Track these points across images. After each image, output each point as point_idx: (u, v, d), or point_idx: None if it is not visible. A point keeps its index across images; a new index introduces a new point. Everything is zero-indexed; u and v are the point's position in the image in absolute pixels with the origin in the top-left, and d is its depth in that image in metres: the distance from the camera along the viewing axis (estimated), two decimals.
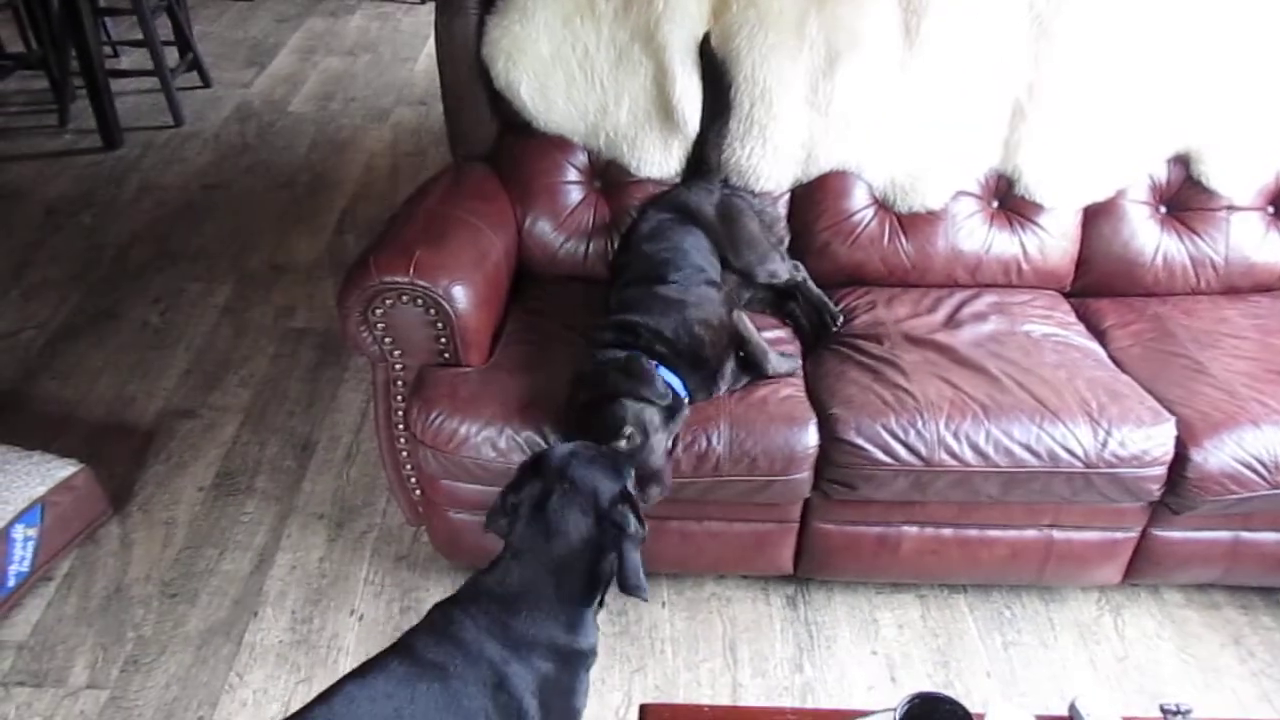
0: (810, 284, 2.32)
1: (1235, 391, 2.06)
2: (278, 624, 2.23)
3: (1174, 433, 1.99)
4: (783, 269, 2.29)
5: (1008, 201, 2.43)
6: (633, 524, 1.55)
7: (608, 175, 2.44)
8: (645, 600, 1.53)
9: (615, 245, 2.38)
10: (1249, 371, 2.13)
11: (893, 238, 2.40)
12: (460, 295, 2.02)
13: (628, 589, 1.53)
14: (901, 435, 1.97)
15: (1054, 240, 2.41)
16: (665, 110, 2.34)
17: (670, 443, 1.93)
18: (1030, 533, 2.13)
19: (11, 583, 2.21)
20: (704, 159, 2.35)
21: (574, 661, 1.54)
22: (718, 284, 2.22)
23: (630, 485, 1.62)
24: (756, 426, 1.98)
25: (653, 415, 1.87)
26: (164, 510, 2.52)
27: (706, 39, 2.28)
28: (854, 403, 2.01)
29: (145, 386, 2.94)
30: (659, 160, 2.38)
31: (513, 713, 1.48)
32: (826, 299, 2.31)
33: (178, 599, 2.29)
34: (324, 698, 1.44)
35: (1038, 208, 2.40)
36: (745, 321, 2.12)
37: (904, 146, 2.36)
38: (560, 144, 2.42)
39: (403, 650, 1.50)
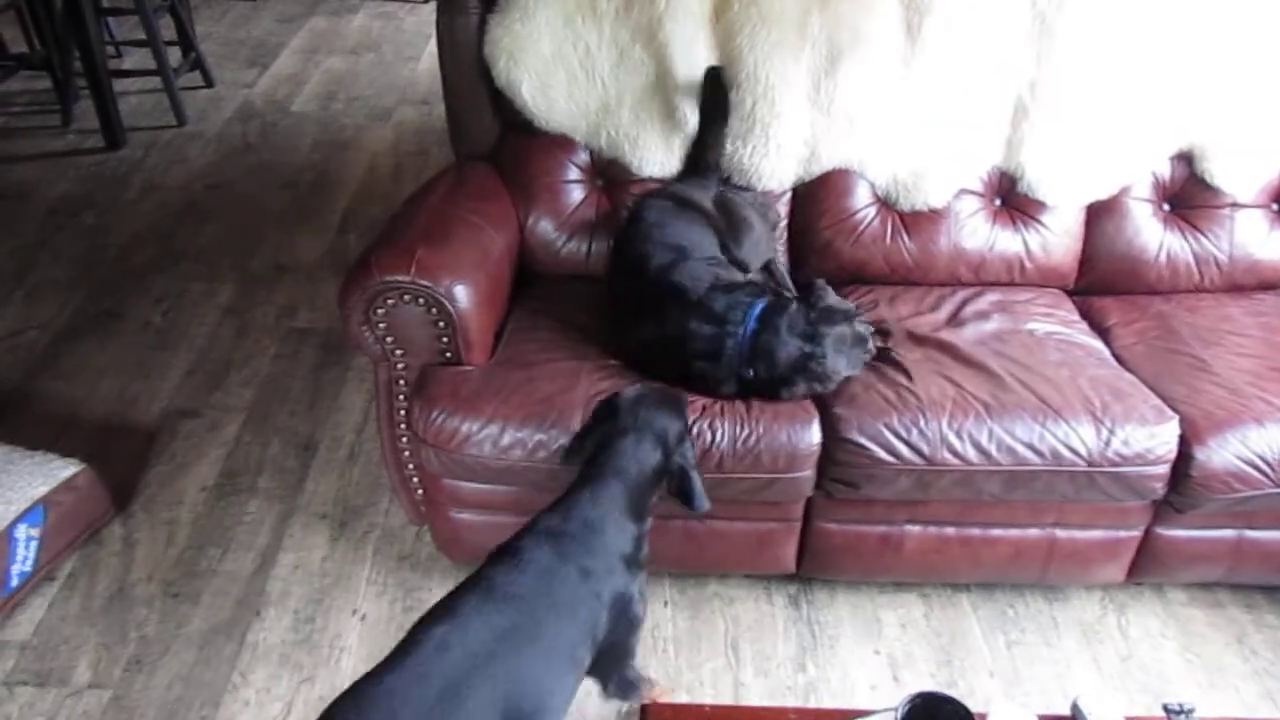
0: (776, 264, 2.37)
1: (1239, 389, 2.06)
2: (280, 624, 2.23)
3: (1178, 431, 1.98)
4: (780, 260, 2.33)
5: (1010, 199, 2.43)
6: (692, 456, 1.81)
7: (610, 174, 2.44)
8: (707, 510, 1.81)
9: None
10: (1253, 369, 2.12)
11: (895, 236, 2.40)
12: (462, 294, 2.01)
13: (696, 506, 1.78)
14: (904, 434, 1.96)
15: (1057, 238, 2.41)
16: (667, 109, 2.33)
17: None
18: (1033, 532, 2.13)
19: (14, 582, 2.22)
20: (701, 160, 2.35)
21: (635, 572, 1.70)
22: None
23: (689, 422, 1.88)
24: (760, 424, 1.97)
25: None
26: (166, 510, 2.52)
27: (716, 69, 2.28)
28: (856, 401, 2.01)
29: (148, 386, 2.94)
30: (661, 159, 2.38)
31: (588, 632, 1.59)
32: (787, 278, 2.37)
33: (180, 599, 2.29)
34: (414, 645, 1.44)
35: (1041, 205, 2.40)
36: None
37: (906, 145, 2.35)
38: (562, 143, 2.42)
39: (483, 588, 1.54)
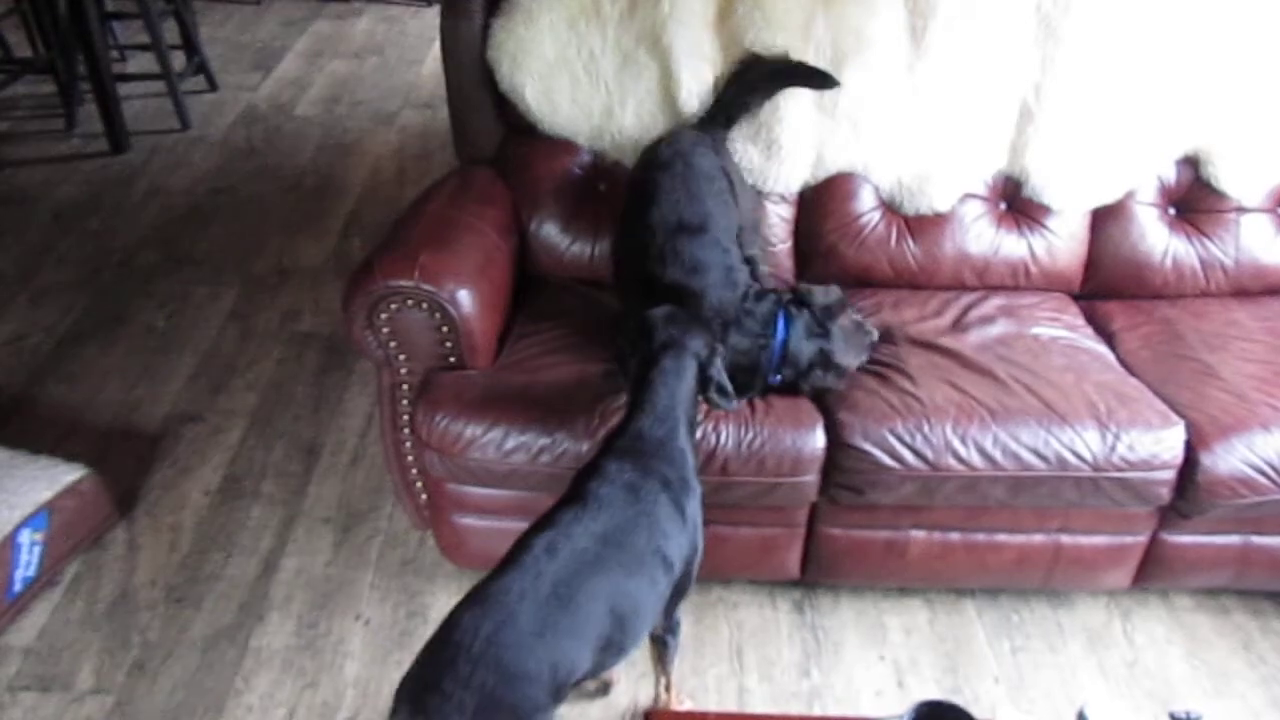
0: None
1: (1245, 395, 2.05)
2: (283, 629, 2.23)
3: (1183, 436, 1.98)
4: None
5: (1015, 204, 2.42)
6: (722, 365, 1.87)
7: (613, 178, 2.43)
8: (736, 408, 1.94)
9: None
10: (1259, 374, 2.11)
11: (900, 240, 2.39)
12: (465, 299, 2.01)
13: (728, 407, 1.87)
14: (908, 440, 1.96)
15: (1062, 242, 2.40)
16: (671, 113, 2.33)
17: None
18: (1038, 537, 2.12)
19: (18, 587, 2.22)
20: (730, 114, 2.30)
21: (697, 487, 1.77)
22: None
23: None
24: (764, 428, 1.97)
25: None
26: (170, 515, 2.52)
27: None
28: (860, 407, 2.00)
29: (151, 391, 2.94)
30: None
31: (672, 542, 1.66)
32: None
33: (183, 604, 2.29)
34: (524, 550, 1.53)
35: (1045, 210, 2.39)
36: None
37: (911, 149, 2.35)
38: (566, 147, 2.41)
39: (580, 500, 1.62)
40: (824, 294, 2.13)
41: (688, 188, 2.10)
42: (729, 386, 1.85)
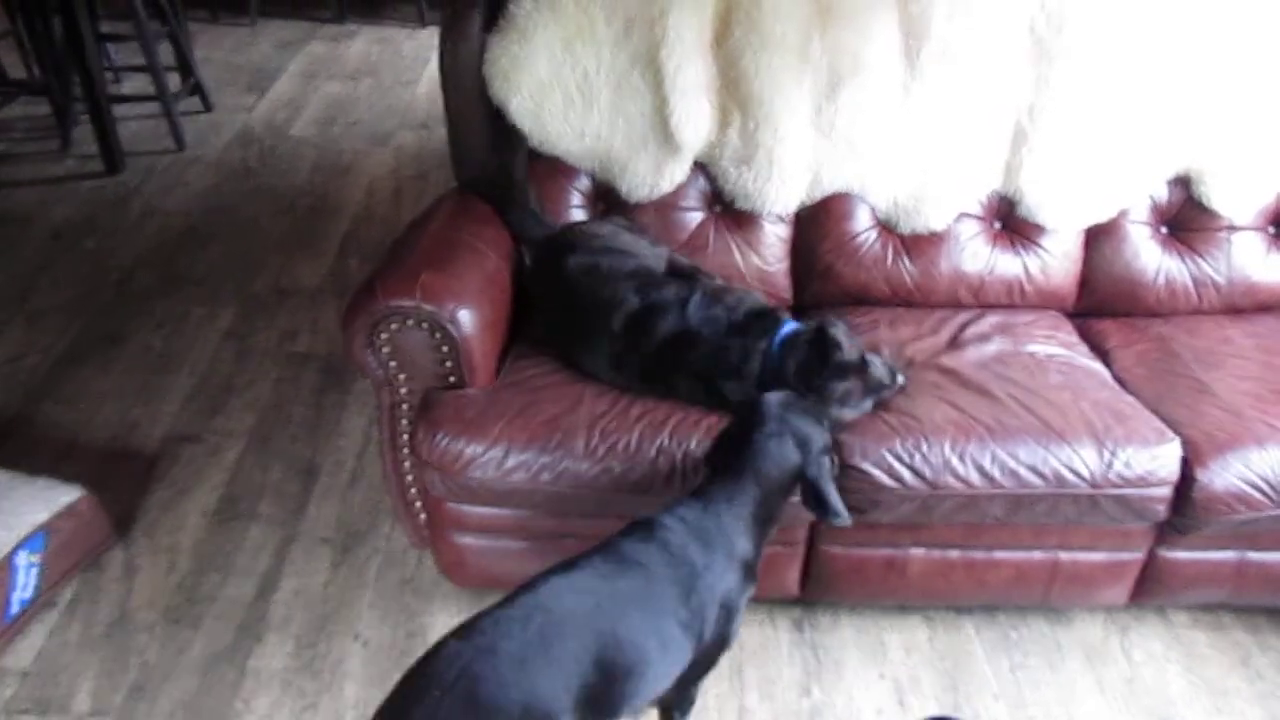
0: None
1: (1240, 411, 2.07)
2: (282, 649, 2.22)
3: (1179, 453, 1.99)
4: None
5: (1010, 223, 2.44)
6: (829, 469, 1.81)
7: (610, 199, 2.45)
8: (847, 524, 1.80)
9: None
10: (1253, 391, 2.13)
11: (896, 259, 2.41)
12: (466, 319, 2.02)
13: (832, 518, 1.76)
14: (907, 459, 1.97)
15: (1056, 261, 2.42)
16: (662, 135, 2.33)
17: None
18: (1037, 554, 2.13)
19: (15, 609, 2.21)
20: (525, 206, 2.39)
21: (748, 580, 1.73)
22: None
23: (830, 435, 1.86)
24: None
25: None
26: (167, 536, 2.51)
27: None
28: (858, 427, 2.01)
29: (148, 411, 2.93)
30: (650, 184, 2.39)
31: (697, 619, 1.63)
32: None
33: (181, 625, 2.28)
34: (529, 588, 1.54)
35: (1040, 229, 2.41)
36: None
37: (907, 168, 2.37)
38: (564, 168, 2.42)
39: (609, 550, 1.63)
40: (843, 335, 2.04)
41: (583, 289, 2.17)
42: (829, 495, 1.74)
